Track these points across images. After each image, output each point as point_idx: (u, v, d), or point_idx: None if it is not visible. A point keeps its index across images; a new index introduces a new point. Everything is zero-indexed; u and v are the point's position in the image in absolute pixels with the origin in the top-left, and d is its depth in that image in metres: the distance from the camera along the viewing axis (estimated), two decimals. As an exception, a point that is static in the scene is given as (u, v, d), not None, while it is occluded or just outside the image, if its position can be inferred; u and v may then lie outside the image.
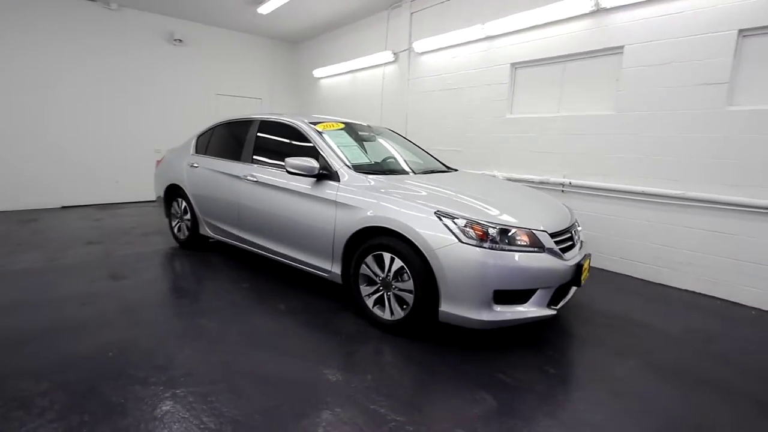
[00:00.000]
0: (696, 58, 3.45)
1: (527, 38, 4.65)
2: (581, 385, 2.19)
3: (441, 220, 2.38)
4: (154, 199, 5.00)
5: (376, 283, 2.69)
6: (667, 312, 3.21)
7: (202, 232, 4.20)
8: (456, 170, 3.71)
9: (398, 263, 2.52)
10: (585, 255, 2.74)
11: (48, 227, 5.36)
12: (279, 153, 3.50)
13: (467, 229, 2.31)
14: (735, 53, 3.26)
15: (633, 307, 3.28)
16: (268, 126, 3.69)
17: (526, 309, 2.37)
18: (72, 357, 2.27)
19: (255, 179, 3.45)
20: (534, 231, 2.40)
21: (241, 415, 1.84)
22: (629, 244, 4.01)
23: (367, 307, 2.75)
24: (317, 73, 8.32)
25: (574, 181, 4.31)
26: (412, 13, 6.06)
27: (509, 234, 2.33)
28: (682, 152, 3.60)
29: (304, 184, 3.10)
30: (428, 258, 2.36)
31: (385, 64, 6.71)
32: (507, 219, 2.41)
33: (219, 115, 8.01)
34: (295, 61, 9.08)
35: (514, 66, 4.86)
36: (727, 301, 3.41)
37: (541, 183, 4.60)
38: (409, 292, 2.49)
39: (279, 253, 3.34)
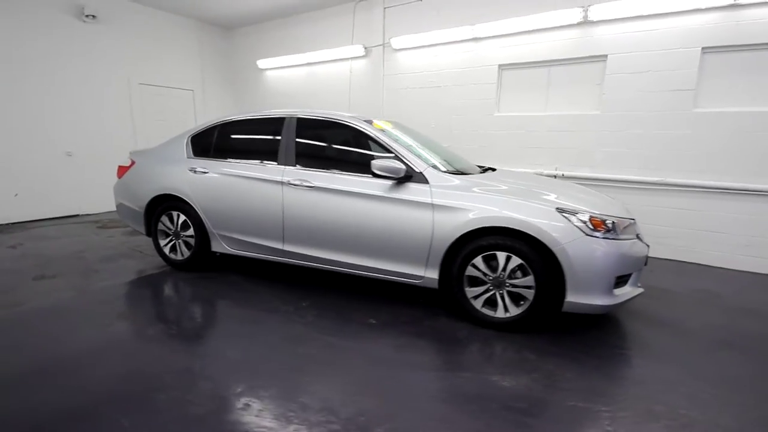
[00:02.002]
0: (668, 68, 4.20)
1: (515, 42, 5.02)
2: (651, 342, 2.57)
3: (564, 215, 2.50)
4: (75, 213, 4.03)
5: (484, 284, 2.69)
6: (656, 276, 3.87)
7: (215, 249, 3.58)
8: (495, 169, 3.85)
9: (515, 261, 2.57)
10: None
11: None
12: (334, 154, 3.18)
13: (588, 222, 2.49)
14: (699, 66, 4.07)
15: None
16: (310, 124, 3.31)
17: (629, 290, 2.65)
18: None
19: (309, 184, 3.08)
20: (631, 220, 2.69)
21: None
22: (614, 225, 4.70)
23: (474, 308, 2.74)
24: (263, 63, 7.61)
25: (565, 173, 4.86)
26: (385, 8, 5.97)
27: (617, 225, 2.57)
28: (658, 146, 4.36)
29: (376, 189, 2.90)
30: (555, 253, 2.46)
31: (353, 58, 6.50)
32: (612, 211, 2.66)
33: (145, 108, 6.85)
34: (231, 49, 8.13)
35: (501, 67, 5.21)
36: (700, 264, 4.28)
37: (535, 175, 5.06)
38: (527, 287, 2.57)
39: (348, 264, 3.06)
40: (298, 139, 3.28)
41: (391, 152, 2.97)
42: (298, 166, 3.20)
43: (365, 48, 6.27)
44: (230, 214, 3.40)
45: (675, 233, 4.38)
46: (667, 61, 4.20)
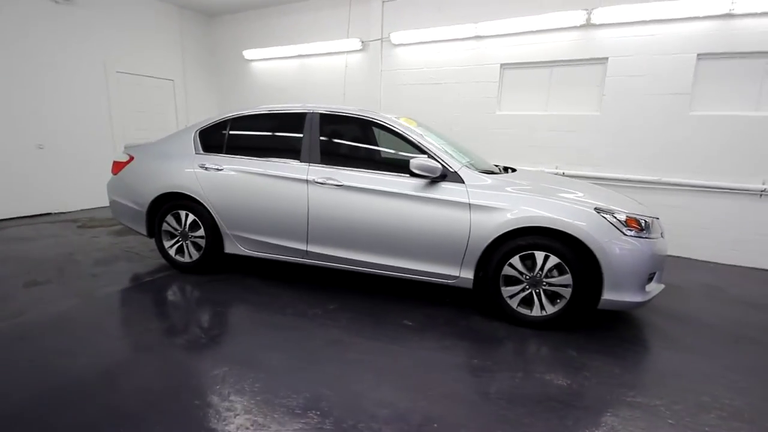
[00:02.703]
0: (666, 72, 4.40)
1: (518, 42, 5.09)
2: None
3: (601, 215, 2.56)
4: (48, 211, 3.73)
5: (521, 283, 2.71)
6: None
7: (229, 250, 3.39)
8: (515, 169, 3.84)
9: (553, 260, 2.61)
10: None
11: None
12: (361, 151, 3.09)
13: (625, 222, 2.56)
14: (695, 71, 4.29)
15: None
16: (334, 120, 3.20)
17: (655, 286, 2.76)
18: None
19: (337, 183, 2.97)
20: (657, 220, 2.80)
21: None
22: (611, 222, 4.90)
23: (510, 307, 2.76)
24: (249, 54, 7.30)
25: (567, 172, 5.00)
26: (384, 2, 5.88)
27: (650, 224, 2.66)
28: (656, 147, 4.57)
29: (409, 188, 2.85)
30: (594, 252, 2.51)
31: (349, 52, 6.36)
32: (638, 210, 2.75)
33: (123, 98, 6.41)
34: (215, 37, 7.73)
35: (503, 66, 5.27)
36: (694, 259, 4.54)
37: (534, 174, 5.17)
38: (564, 286, 2.62)
39: (379, 265, 2.99)
40: (324, 134, 3.16)
41: (423, 151, 2.92)
42: (323, 164, 3.09)
43: (362, 42, 6.14)
44: (247, 213, 3.24)
45: (671, 230, 4.61)
46: (665, 65, 4.40)
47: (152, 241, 4.34)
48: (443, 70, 5.64)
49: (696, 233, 4.50)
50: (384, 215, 2.90)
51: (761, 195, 4.14)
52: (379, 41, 6.00)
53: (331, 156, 3.13)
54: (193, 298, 3.14)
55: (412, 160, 2.76)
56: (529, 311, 2.73)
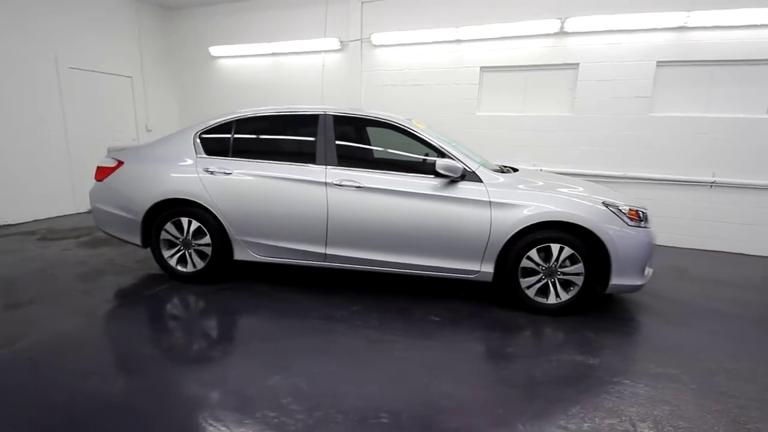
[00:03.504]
0: (630, 77, 4.88)
1: (496, 46, 5.36)
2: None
3: (608, 208, 2.82)
4: None
5: (537, 273, 2.91)
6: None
7: (239, 257, 3.27)
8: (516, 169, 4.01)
9: (567, 251, 2.83)
10: None
11: None
12: (377, 153, 3.12)
13: (627, 213, 2.84)
14: (654, 77, 4.80)
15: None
16: (348, 122, 3.20)
17: (648, 270, 3.08)
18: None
19: (357, 185, 2.99)
20: (646, 210, 3.13)
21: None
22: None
23: (528, 297, 2.95)
24: (216, 51, 6.97)
25: (543, 169, 5.36)
26: (363, 3, 5.89)
27: (646, 215, 2.97)
28: (621, 144, 5.05)
29: (428, 188, 2.95)
30: (605, 242, 2.77)
31: (327, 51, 6.30)
32: (632, 203, 3.06)
33: (77, 96, 5.85)
34: (176, 32, 7.26)
35: (483, 69, 5.52)
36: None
37: (514, 171, 5.49)
38: (577, 275, 2.86)
39: (400, 264, 3.05)
40: (338, 136, 3.15)
41: (441, 152, 3.02)
42: (340, 166, 3.08)
43: (341, 42, 6.11)
44: (261, 218, 3.14)
45: (635, 219, 5.13)
46: (629, 71, 4.87)
47: (135, 252, 4.12)
48: (424, 71, 5.79)
49: (657, 221, 5.02)
50: (406, 215, 2.96)
51: (711, 186, 4.74)
52: (359, 42, 6.01)
53: (348, 158, 3.14)
54: (208, 309, 3.00)
55: (438, 161, 2.85)
56: (545, 299, 2.95)
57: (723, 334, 2.78)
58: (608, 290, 2.88)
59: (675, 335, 2.75)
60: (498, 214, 2.87)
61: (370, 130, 3.47)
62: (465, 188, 2.93)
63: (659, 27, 4.63)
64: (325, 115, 3.20)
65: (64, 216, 5.83)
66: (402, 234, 2.99)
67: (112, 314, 2.85)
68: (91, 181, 6.15)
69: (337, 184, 3.02)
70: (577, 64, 5.07)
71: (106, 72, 6.34)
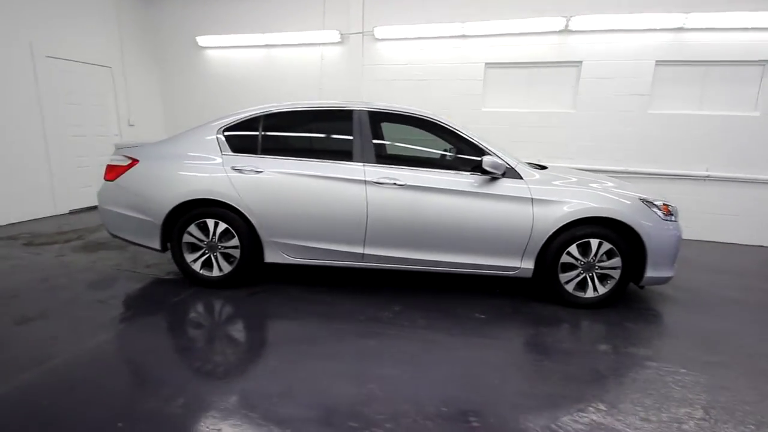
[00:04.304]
0: (630, 76, 5.07)
1: (501, 43, 5.40)
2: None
3: (645, 204, 2.91)
4: None
5: (576, 268, 2.98)
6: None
7: (270, 259, 3.13)
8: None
9: (605, 246, 2.91)
10: None
11: None
12: (416, 150, 3.06)
13: (661, 209, 2.95)
14: (653, 75, 5.01)
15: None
16: (383, 119, 3.12)
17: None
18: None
19: (398, 183, 2.92)
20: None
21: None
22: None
23: (567, 292, 3.01)
24: (204, 41, 6.61)
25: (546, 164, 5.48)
26: (364, -5, 5.76)
27: (677, 210, 3.10)
28: (622, 140, 5.25)
29: (469, 185, 2.93)
30: (642, 236, 2.86)
31: (326, 44, 6.12)
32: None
33: (54, 87, 5.40)
34: (159, 20, 6.81)
35: (488, 65, 5.55)
36: (653, 235, 5.33)
37: (518, 166, 5.59)
38: (614, 268, 2.94)
39: (440, 262, 3.02)
40: (376, 133, 3.06)
41: (480, 149, 3.01)
42: (379, 164, 3.00)
43: (341, 34, 5.96)
44: (295, 219, 3.01)
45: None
46: (629, 69, 5.06)
47: (141, 255, 3.94)
48: (429, 66, 5.75)
49: (655, 214, 5.29)
50: (447, 213, 2.94)
51: (705, 179, 5.03)
52: (360, 35, 5.88)
53: (385, 155, 3.06)
54: (245, 315, 2.84)
55: (484, 158, 2.83)
56: (583, 294, 3.02)
57: (748, 320, 2.96)
58: (643, 282, 2.99)
59: (706, 324, 2.89)
60: (540, 211, 2.90)
61: (399, 126, 3.40)
62: (507, 185, 2.93)
63: (659, 27, 4.83)
64: (360, 111, 3.10)
65: (43, 218, 5.36)
66: (443, 232, 2.96)
67: (141, 325, 2.64)
68: (73, 180, 5.76)
69: (377, 183, 2.94)
70: (580, 62, 5.20)
71: (84, 61, 5.86)
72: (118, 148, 3.30)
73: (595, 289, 3.00)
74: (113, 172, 3.18)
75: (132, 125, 6.63)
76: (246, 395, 1.96)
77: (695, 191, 5.09)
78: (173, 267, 3.66)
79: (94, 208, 6.03)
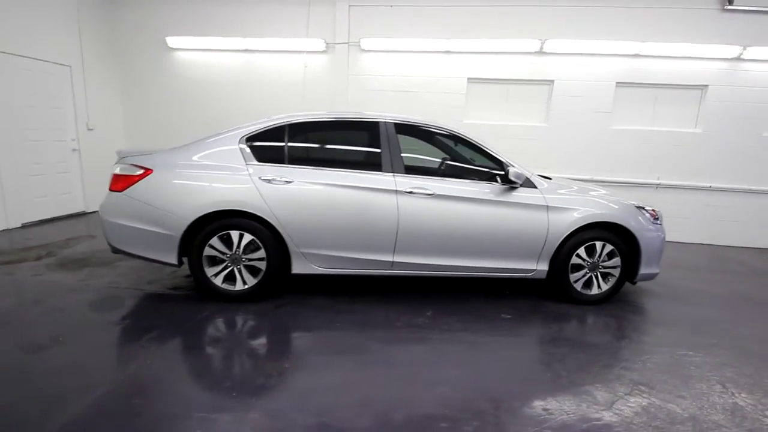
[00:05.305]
0: (595, 95, 5.67)
1: (482, 59, 5.77)
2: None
3: (639, 209, 3.32)
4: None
5: (583, 269, 3.29)
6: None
7: (298, 270, 3.08)
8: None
9: (608, 247, 3.26)
10: None
11: None
12: (440, 161, 3.21)
13: (651, 213, 3.37)
14: (614, 95, 5.65)
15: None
16: (408, 130, 3.23)
17: (657, 261, 3.69)
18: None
19: (428, 192, 3.04)
20: (654, 211, 3.73)
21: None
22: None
23: (576, 290, 3.32)
24: (174, 42, 6.27)
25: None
26: (350, 6, 5.84)
27: (660, 215, 3.54)
28: (587, 152, 5.83)
29: (491, 194, 3.15)
30: (638, 239, 3.25)
31: (309, 52, 6.09)
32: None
33: (8, 86, 4.86)
34: (125, 17, 6.32)
35: (470, 80, 5.89)
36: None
37: (498, 175, 5.97)
38: (615, 267, 3.31)
39: (464, 267, 3.19)
40: (401, 144, 3.16)
41: (498, 161, 3.24)
42: (408, 174, 3.10)
43: (327, 44, 5.98)
44: (327, 229, 3.01)
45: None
46: (594, 89, 5.66)
47: (136, 270, 3.77)
48: (414, 79, 5.96)
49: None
50: (473, 220, 3.11)
51: (657, 187, 5.75)
52: (346, 45, 5.95)
53: (412, 166, 3.17)
54: (281, 328, 2.78)
55: (510, 169, 3.06)
56: (589, 291, 3.34)
57: (719, 307, 3.47)
58: (637, 279, 3.38)
59: (689, 312, 3.34)
60: (554, 217, 3.18)
61: (436, 139, 3.49)
62: (525, 194, 3.18)
63: (620, 53, 5.47)
64: (386, 123, 3.19)
65: (-6, 233, 4.73)
66: (469, 238, 3.13)
67: (175, 346, 2.48)
68: (26, 190, 5.13)
69: (407, 192, 3.04)
70: (553, 80, 5.72)
71: (39, 58, 5.28)
72: (122, 156, 3.07)
73: (599, 286, 3.34)
74: (122, 182, 2.94)
75: (91, 129, 6.07)
76: (324, 411, 1.95)
77: (650, 198, 5.77)
78: (176, 282, 3.48)
79: (51, 221, 5.45)
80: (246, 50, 6.24)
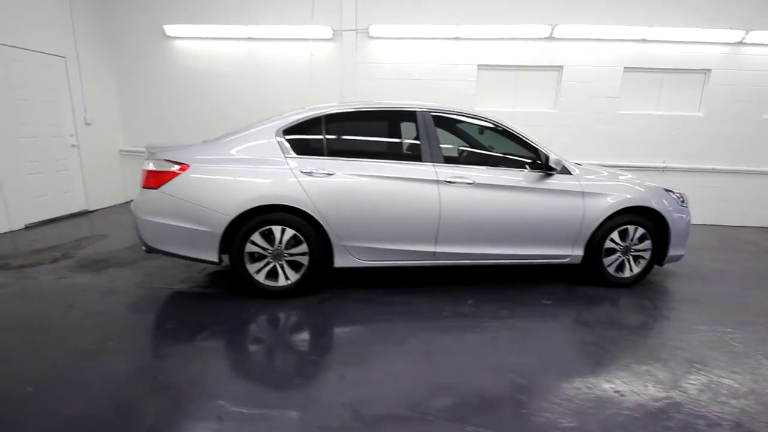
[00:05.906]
0: (603, 80, 5.73)
1: (493, 45, 5.74)
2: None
3: (669, 193, 3.40)
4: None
5: (616, 252, 3.37)
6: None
7: (340, 264, 3.05)
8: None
9: (639, 231, 3.34)
10: None
11: None
12: (478, 150, 3.20)
13: (677, 197, 3.46)
14: (622, 80, 5.72)
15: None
16: (445, 120, 3.21)
17: (681, 242, 3.80)
18: None
19: (469, 181, 3.04)
20: (678, 194, 3.83)
21: None
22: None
23: (609, 273, 3.40)
24: (173, 30, 6.01)
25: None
26: (358, -8, 5.70)
27: (687, 198, 3.63)
28: (596, 137, 5.92)
29: (529, 181, 3.17)
30: (668, 222, 3.34)
31: (315, 40, 5.93)
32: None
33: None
34: (120, 5, 5.99)
35: (480, 67, 5.86)
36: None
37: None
38: (645, 250, 3.40)
39: (504, 255, 3.22)
40: (439, 134, 3.13)
41: (534, 149, 3.26)
42: (447, 164, 3.09)
43: (334, 31, 5.83)
44: (369, 221, 2.98)
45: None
46: (602, 74, 5.73)
47: (165, 269, 3.73)
48: (423, 66, 5.89)
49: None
50: (513, 208, 3.14)
51: (663, 170, 5.90)
52: (354, 32, 5.82)
53: (450, 155, 3.16)
54: (338, 322, 2.76)
55: (550, 156, 3.09)
56: (622, 274, 3.43)
57: (745, 286, 3.61)
58: (666, 261, 3.48)
59: (717, 291, 3.46)
60: (590, 203, 3.23)
61: (472, 128, 3.47)
62: (562, 181, 3.22)
63: (627, 38, 5.53)
64: (423, 113, 3.15)
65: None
66: (510, 226, 3.16)
67: (231, 346, 2.43)
68: (26, 189, 4.87)
69: (449, 182, 3.03)
70: (562, 66, 5.75)
71: (32, 49, 4.98)
72: (152, 152, 2.94)
73: (631, 269, 3.43)
74: (157, 178, 2.83)
75: (89, 124, 5.80)
76: (411, 400, 1.95)
77: (656, 181, 5.90)
78: (209, 279, 3.40)
79: (54, 221, 5.22)
80: (249, 38, 6.03)
